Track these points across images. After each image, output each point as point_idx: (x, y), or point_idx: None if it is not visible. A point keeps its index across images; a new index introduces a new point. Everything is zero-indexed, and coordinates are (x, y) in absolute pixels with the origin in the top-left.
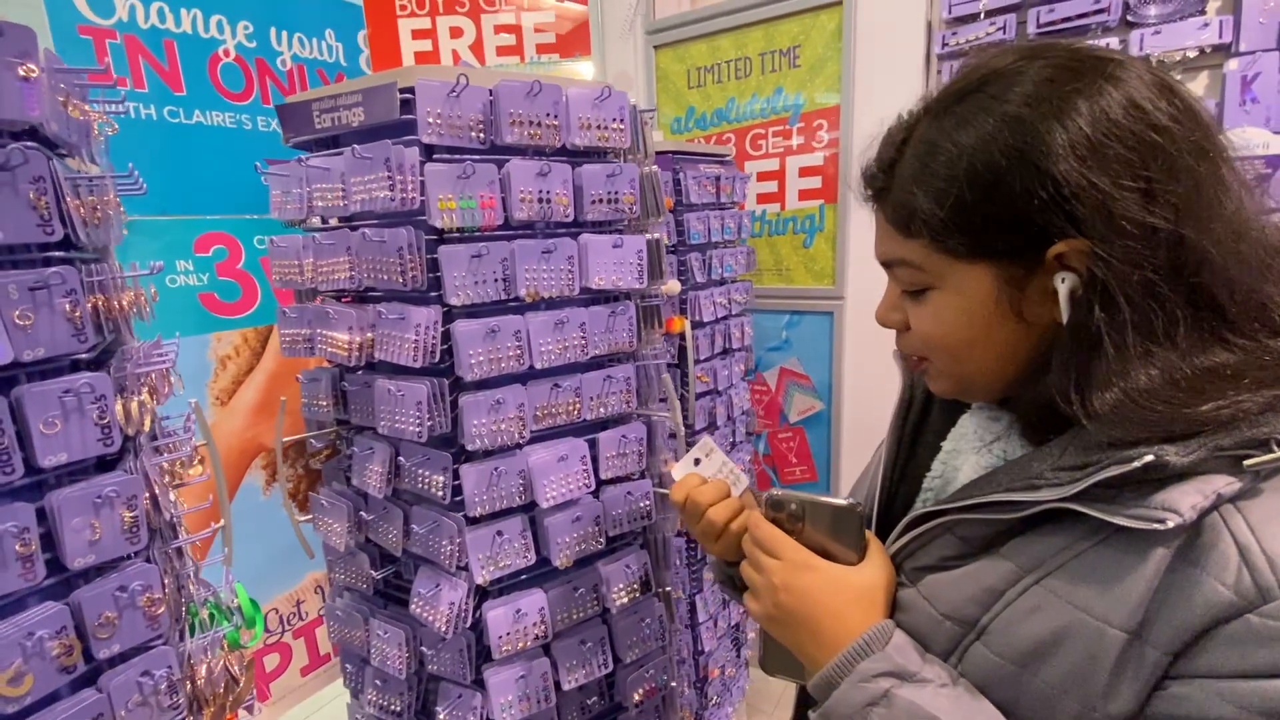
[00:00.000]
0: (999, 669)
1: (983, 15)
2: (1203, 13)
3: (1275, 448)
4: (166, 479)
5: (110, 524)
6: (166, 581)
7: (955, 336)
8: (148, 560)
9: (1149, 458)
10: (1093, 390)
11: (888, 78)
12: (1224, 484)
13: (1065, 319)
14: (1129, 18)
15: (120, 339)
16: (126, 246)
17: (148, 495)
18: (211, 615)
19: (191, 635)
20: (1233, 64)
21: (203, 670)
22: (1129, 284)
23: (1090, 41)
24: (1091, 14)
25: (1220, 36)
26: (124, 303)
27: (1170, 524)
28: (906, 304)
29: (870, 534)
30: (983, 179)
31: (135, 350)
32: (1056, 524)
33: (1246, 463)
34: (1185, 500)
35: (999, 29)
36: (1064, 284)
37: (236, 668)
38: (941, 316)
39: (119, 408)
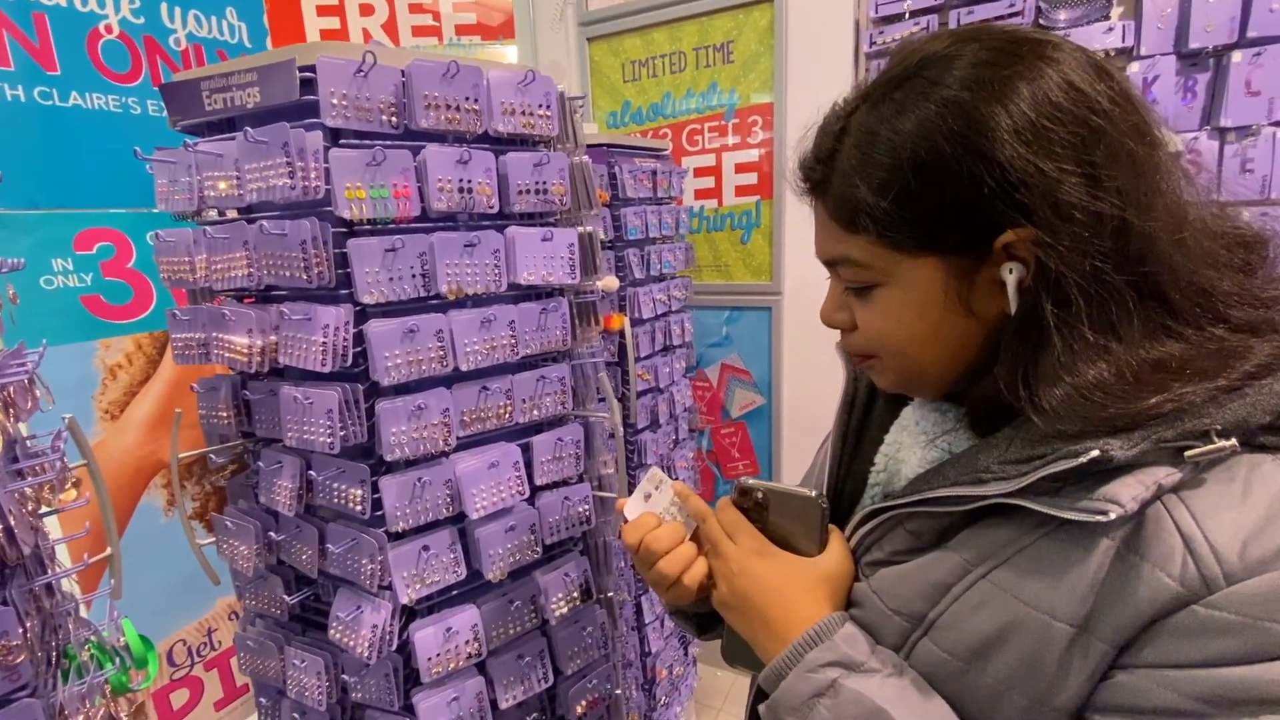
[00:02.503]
0: (946, 665)
1: (907, 15)
2: (1107, 17)
3: (1215, 438)
4: (30, 507)
5: None
6: (30, 624)
7: (906, 334)
8: (3, 603)
9: (1094, 453)
10: (1041, 384)
11: (818, 74)
12: (1164, 475)
13: (1013, 310)
14: (1040, 21)
15: None
16: None
17: (1, 527)
18: (93, 657)
19: (66, 682)
20: (1135, 66)
21: None
22: (1078, 273)
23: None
24: (1007, 16)
25: (1123, 40)
26: None
27: (1112, 515)
28: (852, 302)
29: (833, 528)
30: (927, 167)
31: None
32: (1004, 517)
33: (1188, 454)
34: (1127, 492)
35: (922, 29)
36: (1011, 275)
37: (124, 714)
38: (890, 314)
39: None
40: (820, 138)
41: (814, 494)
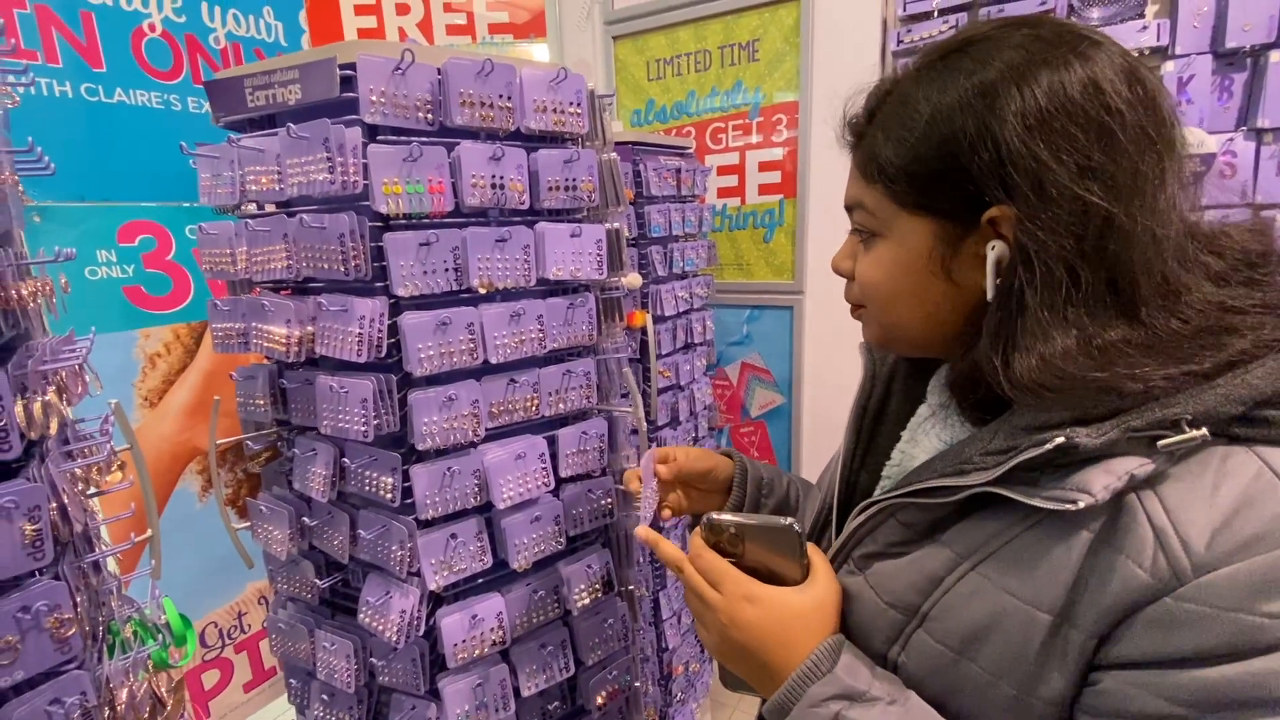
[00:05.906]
0: (940, 656)
1: (936, 13)
2: (1142, 15)
3: (1186, 428)
4: (80, 487)
5: (9, 538)
6: (79, 600)
7: (888, 286)
8: (56, 577)
9: (1060, 439)
10: (1013, 355)
11: (844, 73)
12: (1136, 465)
13: (990, 286)
14: (1073, 18)
15: (22, 333)
16: (39, 234)
17: (54, 505)
18: (136, 634)
19: (111, 656)
20: (1169, 66)
21: (124, 694)
22: (1050, 252)
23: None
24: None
25: (1158, 39)
26: (24, 292)
27: (1081, 504)
28: (858, 252)
29: (813, 548)
30: (939, 133)
31: (40, 346)
32: (991, 509)
33: (1160, 444)
34: (1098, 481)
35: (951, 27)
36: (993, 251)
37: (164, 689)
38: (882, 266)
39: (19, 408)
40: (869, 98)
41: (787, 522)
